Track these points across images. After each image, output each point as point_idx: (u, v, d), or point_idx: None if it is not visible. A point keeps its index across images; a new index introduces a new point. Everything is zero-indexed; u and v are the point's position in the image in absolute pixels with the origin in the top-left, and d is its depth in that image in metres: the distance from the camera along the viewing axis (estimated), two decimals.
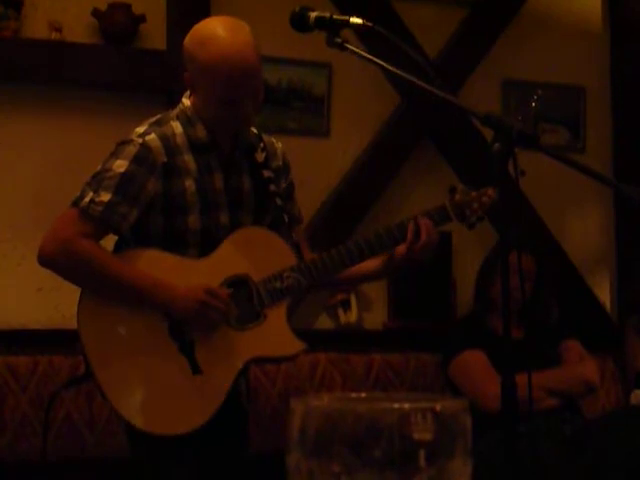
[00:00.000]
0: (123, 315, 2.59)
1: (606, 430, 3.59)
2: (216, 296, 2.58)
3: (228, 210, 2.68)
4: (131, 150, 2.57)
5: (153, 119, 2.68)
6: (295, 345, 2.69)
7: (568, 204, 4.83)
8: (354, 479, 1.04)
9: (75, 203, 2.57)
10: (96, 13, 3.97)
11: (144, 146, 2.57)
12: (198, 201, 2.62)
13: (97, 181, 2.57)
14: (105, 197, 2.54)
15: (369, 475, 1.03)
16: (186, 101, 2.68)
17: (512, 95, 4.75)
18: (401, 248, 2.76)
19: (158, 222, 2.62)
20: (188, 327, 2.61)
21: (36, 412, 3.61)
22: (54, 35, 3.90)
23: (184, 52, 2.62)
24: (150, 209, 2.60)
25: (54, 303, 3.86)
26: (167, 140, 2.60)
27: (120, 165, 2.56)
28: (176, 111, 2.68)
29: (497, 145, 2.03)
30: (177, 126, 2.64)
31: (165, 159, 2.59)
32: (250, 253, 2.68)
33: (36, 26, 3.93)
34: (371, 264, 2.82)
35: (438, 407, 1.06)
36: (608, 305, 4.88)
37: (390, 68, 2.30)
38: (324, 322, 4.37)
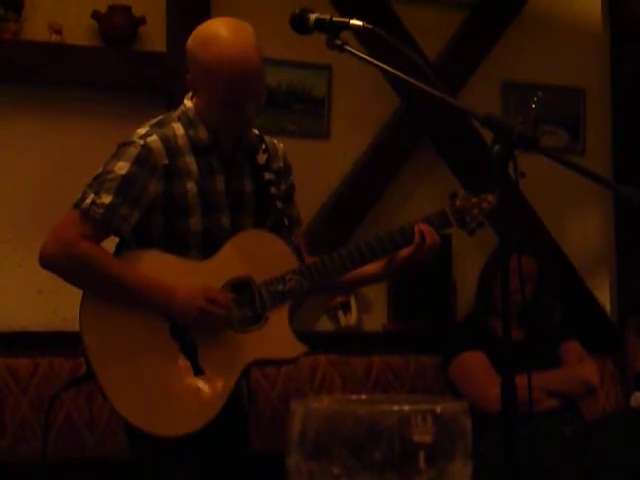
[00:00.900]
0: (125, 316, 2.59)
1: (606, 432, 3.59)
2: (216, 302, 2.57)
3: (229, 212, 2.67)
4: (132, 152, 2.56)
5: (154, 120, 2.67)
6: (296, 348, 2.69)
7: (568, 206, 4.83)
8: None
9: (76, 205, 2.56)
10: (96, 15, 3.97)
11: (145, 148, 2.56)
12: (199, 203, 2.61)
13: (98, 183, 2.57)
14: (106, 199, 2.53)
15: (369, 477, 1.03)
16: (188, 102, 2.67)
17: (512, 97, 4.75)
18: (403, 251, 2.76)
19: (159, 224, 2.61)
20: (190, 329, 2.61)
21: (36, 414, 3.61)
22: (54, 37, 3.90)
23: (187, 53, 2.61)
24: (151, 211, 2.59)
25: (54, 305, 3.86)
26: (168, 141, 2.60)
27: (121, 167, 2.55)
28: (177, 113, 2.68)
29: (497, 147, 2.03)
30: (178, 127, 2.63)
31: (166, 161, 2.58)
32: (252, 256, 2.68)
33: (36, 28, 3.93)
34: (371, 267, 2.82)
35: (438, 409, 1.06)
36: (608, 307, 4.88)
37: (390, 70, 2.30)
38: (324, 324, 4.37)
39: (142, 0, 4.07)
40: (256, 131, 2.81)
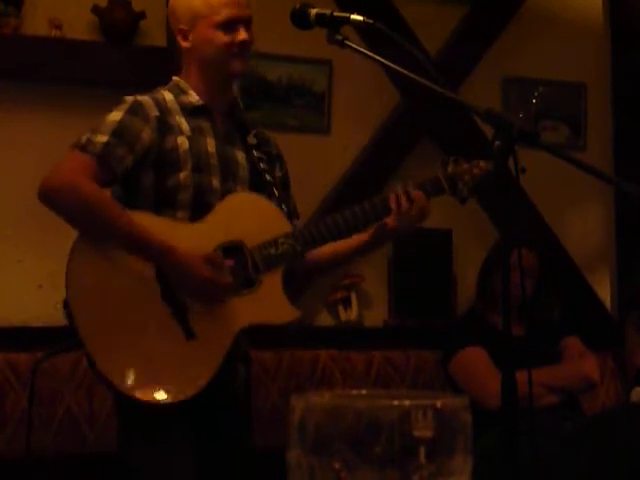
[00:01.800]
0: (114, 278, 2.52)
1: (606, 427, 3.59)
2: (221, 270, 2.55)
3: (220, 176, 2.65)
4: (124, 105, 2.62)
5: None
6: (290, 312, 2.68)
7: (568, 201, 4.83)
8: (354, 475, 1.04)
9: (74, 146, 2.57)
10: (96, 10, 3.97)
11: (137, 101, 2.62)
12: (190, 159, 2.60)
13: (92, 129, 2.59)
14: (102, 138, 2.54)
15: (369, 472, 1.03)
16: (177, 77, 2.75)
17: (512, 92, 4.75)
18: (388, 219, 2.75)
19: (149, 179, 2.58)
20: (181, 291, 2.55)
21: (37, 409, 3.61)
22: (54, 32, 3.90)
23: (171, 11, 2.72)
24: (142, 165, 2.57)
25: (54, 301, 3.85)
26: (158, 101, 2.65)
27: (115, 115, 2.59)
28: (165, 86, 2.75)
29: (497, 142, 2.03)
30: (167, 93, 2.69)
31: (157, 113, 2.61)
32: (244, 219, 2.65)
33: (36, 23, 3.93)
34: (360, 237, 2.80)
35: (439, 404, 1.06)
36: (608, 302, 4.88)
37: (391, 65, 2.30)
38: (325, 319, 4.37)
39: None
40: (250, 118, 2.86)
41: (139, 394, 2.47)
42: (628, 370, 4.58)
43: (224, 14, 2.62)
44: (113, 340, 2.48)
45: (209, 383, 2.53)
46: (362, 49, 2.35)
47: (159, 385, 2.49)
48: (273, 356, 4.03)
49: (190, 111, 2.66)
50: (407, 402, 1.05)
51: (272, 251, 2.63)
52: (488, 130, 2.12)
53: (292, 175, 2.93)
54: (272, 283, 2.64)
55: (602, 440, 3.51)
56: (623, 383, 4.58)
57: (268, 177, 2.75)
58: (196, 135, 2.64)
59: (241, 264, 2.62)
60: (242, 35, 2.63)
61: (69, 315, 2.51)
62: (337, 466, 1.04)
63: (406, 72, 2.26)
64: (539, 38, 4.79)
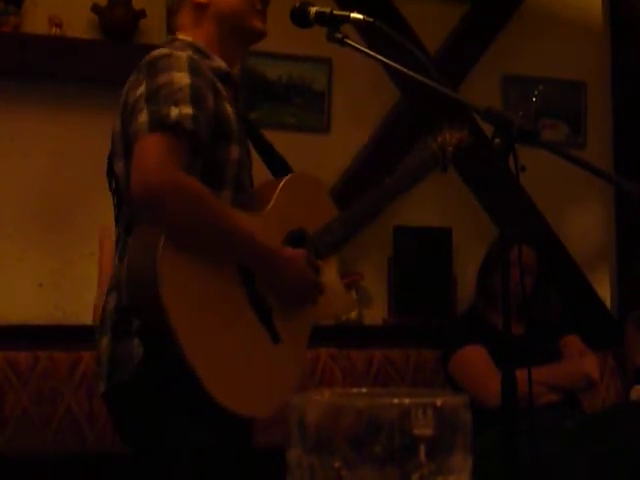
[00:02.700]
0: (203, 282, 2.21)
1: (606, 426, 3.59)
2: (318, 271, 2.44)
3: (246, 150, 2.47)
4: (181, 62, 2.24)
5: (159, 50, 2.33)
6: (350, 303, 2.58)
7: (569, 200, 4.83)
8: (354, 474, 1.04)
9: (159, 124, 2.14)
10: (96, 9, 3.97)
11: (192, 59, 2.27)
12: (236, 130, 2.35)
13: (166, 96, 2.17)
14: (188, 110, 2.16)
15: (369, 470, 1.03)
16: (185, 36, 2.44)
17: (512, 91, 4.75)
18: None
19: (202, 152, 2.26)
20: (269, 295, 2.37)
21: (36, 408, 3.61)
22: (54, 31, 3.90)
23: None
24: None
25: (54, 300, 3.87)
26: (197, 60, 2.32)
27: (182, 77, 2.20)
28: (178, 44, 2.39)
29: (497, 140, 2.03)
30: (192, 55, 2.32)
31: (210, 76, 2.31)
32: (301, 203, 2.51)
33: (36, 22, 3.93)
34: None
35: (438, 403, 1.06)
36: (608, 301, 4.88)
37: (390, 64, 2.30)
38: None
39: None
40: None
41: (241, 409, 2.27)
42: (628, 369, 4.58)
43: None
44: (212, 352, 2.21)
45: None
46: (362, 47, 2.35)
47: (255, 397, 2.34)
48: None
49: (221, 77, 2.39)
50: (407, 401, 1.05)
51: (329, 238, 2.53)
52: (488, 128, 2.12)
53: None
54: (330, 273, 2.54)
55: (602, 438, 3.51)
56: (623, 382, 4.58)
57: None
58: (231, 103, 2.38)
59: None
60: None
61: (147, 327, 2.22)
62: (337, 465, 1.04)
63: (406, 70, 2.26)
64: (539, 36, 4.79)
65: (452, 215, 4.49)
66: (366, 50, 2.35)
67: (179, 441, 2.25)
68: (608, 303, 4.87)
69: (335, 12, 2.36)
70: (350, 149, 4.44)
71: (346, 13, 2.35)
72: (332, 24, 2.37)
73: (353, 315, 4.33)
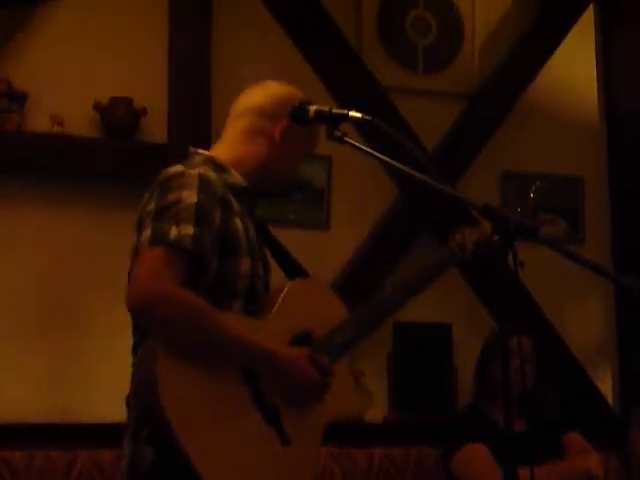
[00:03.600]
0: (205, 383, 2.25)
1: None
2: (325, 371, 2.41)
3: (261, 261, 2.50)
4: (191, 180, 2.32)
5: (175, 167, 2.41)
6: (360, 400, 2.55)
7: (568, 295, 4.82)
8: None
9: (158, 240, 2.24)
10: (98, 107, 4.02)
11: (202, 176, 2.34)
12: (245, 243, 2.40)
13: (170, 215, 2.27)
14: (189, 230, 2.24)
15: None
16: (204, 152, 2.53)
17: (510, 186, 4.77)
18: None
19: (212, 266, 2.33)
20: (274, 395, 2.36)
21: None
22: (56, 128, 3.94)
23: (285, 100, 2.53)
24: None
25: (53, 399, 3.83)
26: (216, 178, 2.40)
27: (189, 195, 2.29)
28: (196, 160, 2.48)
29: (496, 237, 2.04)
30: (207, 170, 2.41)
31: (221, 192, 2.37)
32: (307, 306, 2.52)
33: (38, 119, 3.97)
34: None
35: None
36: (610, 397, 4.84)
37: (389, 161, 2.32)
38: None
39: (144, 91, 4.12)
40: None
41: None
42: (632, 469, 4.52)
43: (313, 147, 2.63)
44: (218, 457, 2.22)
45: None
46: (361, 145, 2.37)
47: None
48: None
49: (237, 192, 2.45)
50: None
51: (338, 339, 2.51)
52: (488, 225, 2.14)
53: None
54: (341, 372, 2.51)
55: None
56: None
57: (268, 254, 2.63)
58: (244, 217, 2.46)
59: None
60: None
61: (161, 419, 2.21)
62: None
63: (404, 168, 2.28)
64: (536, 133, 4.84)
65: (451, 310, 4.48)
66: (365, 148, 2.37)
67: None
68: (610, 399, 4.83)
69: (334, 110, 2.39)
70: (350, 246, 4.45)
71: (344, 111, 2.37)
72: (331, 122, 2.39)
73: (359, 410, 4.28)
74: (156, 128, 4.11)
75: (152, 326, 2.24)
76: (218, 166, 2.46)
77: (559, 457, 3.95)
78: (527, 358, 3.94)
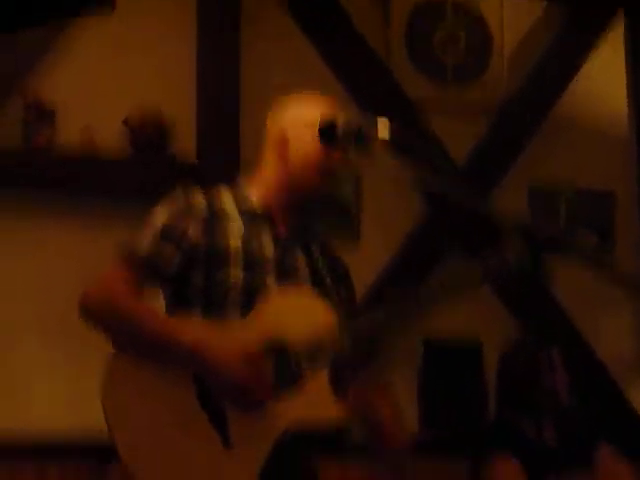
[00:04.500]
0: (149, 384, 2.38)
1: None
2: (261, 370, 2.39)
3: (276, 278, 2.53)
4: (173, 201, 2.55)
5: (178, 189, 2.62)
6: (336, 408, 2.45)
7: (600, 307, 4.79)
8: None
9: (123, 250, 2.52)
10: (127, 122, 4.04)
11: (188, 201, 2.54)
12: (242, 259, 2.50)
13: (143, 228, 2.54)
14: (148, 240, 2.50)
15: None
16: (242, 178, 2.67)
17: (539, 201, 4.76)
18: None
19: (199, 277, 2.50)
20: (218, 393, 2.38)
21: None
22: (86, 143, 3.97)
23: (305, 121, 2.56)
24: (192, 261, 2.49)
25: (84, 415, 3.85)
26: (211, 203, 2.56)
27: (161, 215, 2.53)
28: (228, 185, 2.65)
29: (525, 250, 2.04)
30: (226, 193, 2.61)
31: (207, 216, 2.53)
32: (291, 316, 2.49)
33: (69, 134, 4.00)
34: None
35: None
36: None
37: (418, 176, 2.32)
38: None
39: (172, 106, 4.14)
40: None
41: None
42: None
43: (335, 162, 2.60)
44: (148, 452, 2.34)
45: None
46: (389, 162, 2.37)
47: None
48: None
49: (249, 216, 2.56)
50: None
51: (317, 351, 2.45)
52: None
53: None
54: (317, 382, 2.45)
55: None
56: None
57: (329, 282, 2.64)
58: (252, 238, 2.53)
59: (285, 364, 2.44)
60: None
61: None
62: None
63: (433, 183, 2.28)
64: (567, 146, 4.82)
65: (481, 325, 4.47)
66: (393, 165, 2.37)
67: None
68: None
69: (363, 130, 2.38)
70: (378, 264, 4.44)
71: (374, 133, 2.36)
72: (360, 141, 2.39)
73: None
74: (185, 143, 4.13)
75: (94, 327, 2.45)
76: (240, 189, 2.62)
77: (589, 471, 3.93)
78: (557, 370, 3.93)
